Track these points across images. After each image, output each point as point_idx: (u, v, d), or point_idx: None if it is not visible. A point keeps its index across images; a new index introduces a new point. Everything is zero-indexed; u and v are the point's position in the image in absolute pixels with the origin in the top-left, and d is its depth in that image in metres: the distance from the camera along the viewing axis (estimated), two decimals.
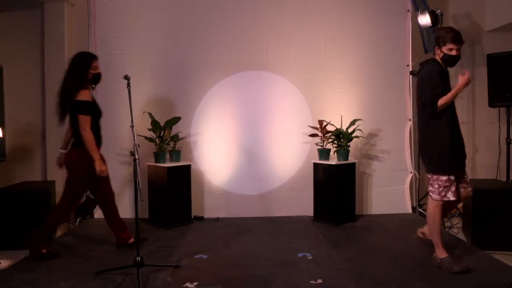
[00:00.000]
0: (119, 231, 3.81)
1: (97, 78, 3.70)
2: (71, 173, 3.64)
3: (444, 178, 3.21)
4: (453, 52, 3.17)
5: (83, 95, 3.54)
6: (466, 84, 3.15)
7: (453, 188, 3.22)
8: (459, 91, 3.16)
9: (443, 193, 3.22)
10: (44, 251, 3.57)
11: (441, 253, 3.26)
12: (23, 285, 3.04)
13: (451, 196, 3.23)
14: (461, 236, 4.23)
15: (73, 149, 3.64)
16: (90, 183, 3.67)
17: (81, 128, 3.51)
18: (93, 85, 3.76)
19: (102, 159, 3.61)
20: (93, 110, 3.61)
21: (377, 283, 3.02)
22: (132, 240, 3.79)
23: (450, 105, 3.21)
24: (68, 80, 3.58)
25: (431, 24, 4.85)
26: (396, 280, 3.06)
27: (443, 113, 3.18)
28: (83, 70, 3.60)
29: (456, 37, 3.17)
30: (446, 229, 4.49)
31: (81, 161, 3.55)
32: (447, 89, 3.20)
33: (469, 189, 3.37)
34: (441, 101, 3.12)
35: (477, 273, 3.14)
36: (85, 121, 3.51)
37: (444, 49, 3.19)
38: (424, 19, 4.88)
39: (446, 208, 3.43)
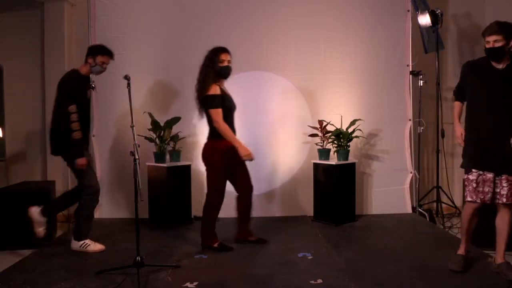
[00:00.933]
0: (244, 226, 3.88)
1: (224, 71, 3.68)
2: (209, 166, 3.71)
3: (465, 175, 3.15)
4: (488, 45, 3.03)
5: (212, 90, 3.61)
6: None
7: (470, 188, 3.10)
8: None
9: (465, 193, 3.15)
10: (216, 245, 3.72)
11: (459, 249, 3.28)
12: (23, 285, 3.03)
13: (467, 196, 3.13)
14: None
15: (208, 141, 3.75)
16: (228, 173, 3.71)
17: (214, 122, 3.61)
18: (224, 79, 3.76)
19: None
20: (224, 103, 3.64)
21: (377, 283, 3.02)
22: (253, 237, 3.90)
23: (473, 93, 3.16)
24: (200, 76, 3.72)
25: (431, 24, 4.85)
26: (396, 280, 3.06)
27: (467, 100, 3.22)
28: (211, 64, 3.65)
29: (486, 30, 3.04)
30: (446, 229, 4.50)
31: (216, 153, 3.63)
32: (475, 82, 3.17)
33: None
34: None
35: (477, 273, 3.14)
36: (216, 114, 3.61)
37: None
38: (424, 19, 4.88)
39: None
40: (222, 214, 4.88)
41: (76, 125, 3.58)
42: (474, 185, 3.07)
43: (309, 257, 3.56)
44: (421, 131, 4.95)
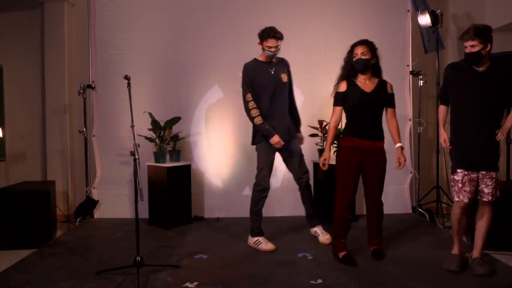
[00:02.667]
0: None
1: (357, 64, 3.41)
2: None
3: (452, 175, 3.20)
4: (466, 50, 3.09)
5: (340, 87, 3.50)
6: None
7: (456, 188, 3.17)
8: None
9: (451, 193, 3.22)
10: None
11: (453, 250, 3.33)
12: (23, 285, 3.04)
13: (454, 196, 3.21)
14: None
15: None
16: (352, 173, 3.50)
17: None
18: (359, 73, 3.46)
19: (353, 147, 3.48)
20: (344, 100, 3.46)
21: (377, 283, 3.02)
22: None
23: (456, 94, 3.20)
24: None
25: (431, 24, 4.85)
26: (396, 280, 3.06)
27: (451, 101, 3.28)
28: (347, 60, 3.51)
29: (463, 35, 3.09)
30: (446, 229, 4.49)
31: (338, 153, 3.62)
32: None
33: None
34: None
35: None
36: (332, 111, 3.53)
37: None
38: (424, 19, 4.88)
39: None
40: (222, 214, 4.94)
41: (256, 112, 3.80)
42: (460, 185, 3.15)
43: (309, 257, 3.57)
44: (421, 131, 4.95)
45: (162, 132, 4.57)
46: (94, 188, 4.92)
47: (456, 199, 3.18)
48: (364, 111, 3.43)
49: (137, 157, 3.08)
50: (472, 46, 3.01)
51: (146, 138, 4.55)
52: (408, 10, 4.95)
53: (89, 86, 4.86)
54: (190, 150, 4.96)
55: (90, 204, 4.85)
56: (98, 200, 4.88)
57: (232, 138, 4.99)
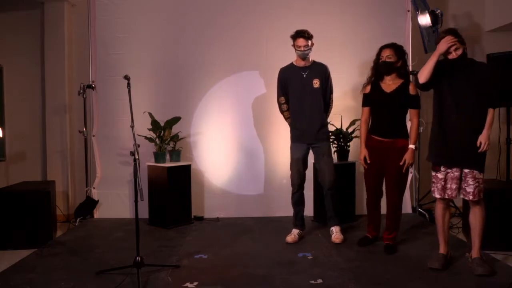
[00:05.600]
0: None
1: (382, 66, 3.68)
2: None
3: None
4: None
5: (365, 89, 3.79)
6: (444, 45, 3.11)
7: (439, 185, 3.21)
8: (436, 55, 3.14)
9: (432, 189, 3.28)
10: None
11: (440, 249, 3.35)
12: (23, 285, 3.04)
13: (435, 193, 3.26)
14: (461, 236, 4.23)
15: None
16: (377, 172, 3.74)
17: None
18: (384, 75, 3.71)
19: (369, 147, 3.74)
20: (369, 101, 3.74)
21: (377, 283, 3.02)
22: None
23: (440, 92, 3.22)
24: None
25: (431, 24, 4.85)
26: (396, 280, 3.06)
27: (434, 98, 3.28)
28: (375, 62, 3.75)
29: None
30: None
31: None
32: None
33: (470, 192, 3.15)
34: (420, 72, 3.22)
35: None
36: (362, 111, 3.80)
37: None
38: (424, 19, 4.87)
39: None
40: (222, 214, 4.93)
41: (287, 114, 4.08)
42: (443, 183, 3.20)
43: (309, 257, 3.57)
44: (421, 131, 4.94)
45: (162, 132, 4.57)
46: (94, 188, 4.92)
47: (438, 196, 3.24)
48: (384, 111, 3.65)
49: (137, 157, 3.07)
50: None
51: (146, 138, 4.55)
52: (408, 10, 4.95)
53: (89, 86, 4.85)
54: (190, 150, 4.96)
55: (90, 204, 4.85)
56: (98, 200, 4.88)
57: (232, 138, 4.99)
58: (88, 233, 4.39)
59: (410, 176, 4.97)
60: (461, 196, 3.22)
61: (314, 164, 4.16)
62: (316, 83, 3.98)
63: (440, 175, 3.21)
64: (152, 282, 3.05)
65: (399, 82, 3.66)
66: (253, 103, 4.98)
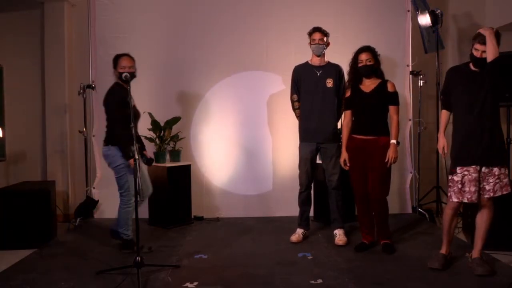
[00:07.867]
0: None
1: (364, 71, 3.71)
2: None
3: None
4: (476, 53, 3.17)
5: (346, 93, 3.87)
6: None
7: (455, 189, 3.15)
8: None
9: (448, 194, 3.23)
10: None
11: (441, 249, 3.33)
12: (23, 285, 3.04)
13: (451, 197, 3.19)
14: (461, 236, 4.23)
15: None
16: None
17: None
18: (364, 78, 3.76)
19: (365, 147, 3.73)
20: (351, 104, 3.79)
21: (377, 283, 3.02)
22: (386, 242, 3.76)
23: (457, 99, 3.24)
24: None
25: (431, 24, 4.85)
26: (396, 280, 3.06)
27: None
28: (352, 66, 3.79)
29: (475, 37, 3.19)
30: None
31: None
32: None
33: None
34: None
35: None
36: (344, 116, 3.91)
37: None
38: (424, 19, 4.88)
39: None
40: (222, 214, 4.93)
41: (299, 112, 4.12)
42: (460, 186, 3.13)
43: (309, 257, 3.57)
44: (421, 131, 4.95)
45: (162, 132, 4.57)
46: (94, 188, 4.92)
47: (455, 200, 3.15)
48: (364, 111, 3.70)
49: (137, 157, 3.08)
50: (484, 51, 3.08)
51: (146, 138, 4.54)
52: (408, 10, 4.95)
53: (89, 86, 4.85)
54: (190, 150, 4.96)
55: (90, 204, 4.85)
56: (98, 200, 4.88)
57: (232, 138, 4.99)
58: (88, 233, 4.39)
59: (410, 176, 4.98)
60: (485, 197, 3.12)
61: (318, 164, 4.16)
62: (329, 82, 3.99)
63: (456, 178, 3.14)
64: (152, 282, 3.05)
65: (377, 82, 3.73)
66: (253, 103, 4.98)
